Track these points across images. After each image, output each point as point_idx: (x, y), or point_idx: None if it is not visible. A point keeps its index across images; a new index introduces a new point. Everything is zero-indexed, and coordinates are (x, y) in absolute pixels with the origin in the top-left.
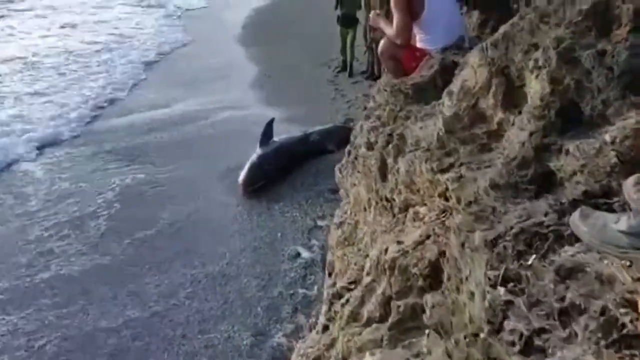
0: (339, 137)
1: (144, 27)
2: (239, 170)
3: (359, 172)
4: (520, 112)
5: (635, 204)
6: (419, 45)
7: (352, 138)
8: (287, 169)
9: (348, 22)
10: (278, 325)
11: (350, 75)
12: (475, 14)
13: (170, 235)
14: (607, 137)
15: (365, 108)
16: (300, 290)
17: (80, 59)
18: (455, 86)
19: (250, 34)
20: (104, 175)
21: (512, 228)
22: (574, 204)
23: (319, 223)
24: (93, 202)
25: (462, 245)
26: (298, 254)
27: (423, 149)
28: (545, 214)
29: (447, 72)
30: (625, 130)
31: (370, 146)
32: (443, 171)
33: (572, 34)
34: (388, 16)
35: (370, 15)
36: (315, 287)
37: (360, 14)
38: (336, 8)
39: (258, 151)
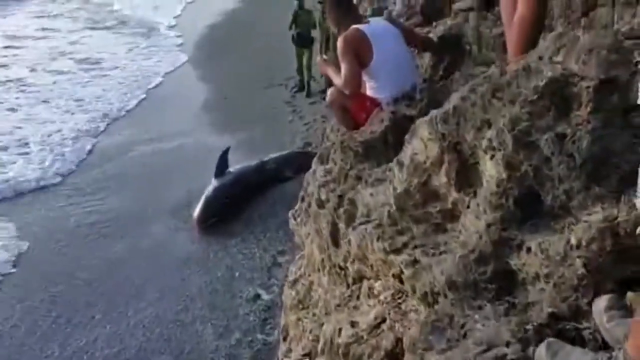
0: (297, 163)
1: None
2: (191, 204)
3: (311, 224)
4: (475, 193)
5: (609, 335)
6: (368, 93)
7: (305, 183)
8: (244, 200)
9: (303, 41)
10: None
11: (308, 95)
12: (427, 55)
13: (117, 279)
14: (573, 240)
15: (324, 131)
16: (259, 336)
17: None
18: (405, 157)
19: (204, 52)
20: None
21: None
22: (540, 329)
23: (279, 259)
24: None
25: None
26: (257, 296)
27: (374, 224)
28: (507, 344)
29: (398, 127)
30: (592, 231)
31: (321, 204)
32: (396, 251)
33: (529, 114)
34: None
35: (317, 62)
36: (276, 332)
37: (315, 33)
38: (290, 28)
39: (213, 183)
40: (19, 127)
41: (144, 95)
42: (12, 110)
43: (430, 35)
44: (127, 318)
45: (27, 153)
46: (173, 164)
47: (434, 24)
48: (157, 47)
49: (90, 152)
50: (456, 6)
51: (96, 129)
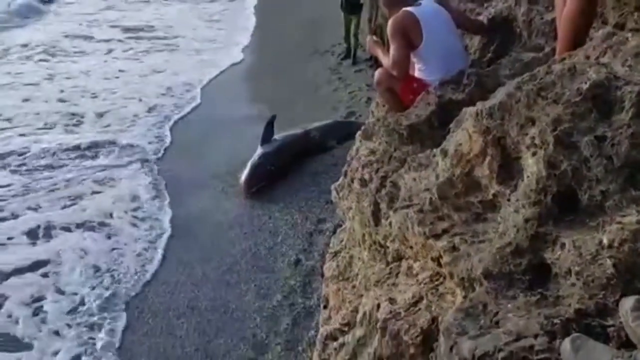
0: (341, 132)
1: None
2: (238, 170)
3: (354, 202)
4: (515, 187)
5: (634, 334)
6: (416, 75)
7: (348, 157)
8: (288, 168)
9: (352, 8)
10: (277, 339)
11: (354, 63)
12: (477, 38)
13: (168, 239)
14: (605, 240)
15: (368, 100)
16: (300, 300)
17: None
18: (449, 146)
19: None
20: None
21: (500, 350)
22: (567, 324)
23: (320, 227)
24: None
25: (451, 349)
26: (298, 261)
27: (416, 209)
28: (536, 336)
29: (444, 111)
30: (624, 232)
31: (364, 183)
32: (436, 237)
33: (571, 115)
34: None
35: (367, 41)
36: (315, 297)
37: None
38: None
39: (259, 151)
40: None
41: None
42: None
43: (481, 17)
44: (176, 274)
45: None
46: (221, 131)
47: (485, 5)
48: None
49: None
50: None
51: None
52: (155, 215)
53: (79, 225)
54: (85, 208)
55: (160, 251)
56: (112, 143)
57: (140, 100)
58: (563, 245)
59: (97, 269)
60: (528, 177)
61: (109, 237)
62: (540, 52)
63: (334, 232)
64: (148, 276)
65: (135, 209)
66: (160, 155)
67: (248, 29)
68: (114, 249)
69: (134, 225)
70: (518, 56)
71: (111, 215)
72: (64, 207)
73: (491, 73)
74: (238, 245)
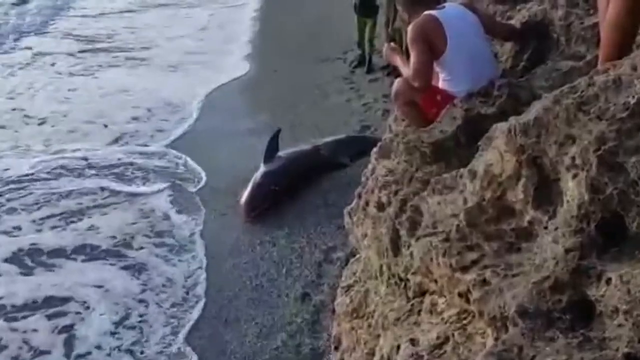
0: (353, 149)
1: None
2: (238, 191)
3: (369, 228)
4: (554, 213)
5: None
6: (440, 86)
7: (363, 178)
8: (294, 188)
9: (366, 10)
10: None
11: (369, 71)
12: (509, 44)
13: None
14: None
15: (385, 112)
16: (307, 340)
17: None
18: (478, 166)
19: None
20: None
21: None
22: None
23: (330, 256)
24: None
25: None
26: (305, 295)
27: (441, 237)
28: None
29: (472, 126)
30: None
31: (381, 206)
32: (464, 269)
33: (617, 132)
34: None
35: (384, 49)
36: (324, 337)
37: (381, 1)
38: None
39: (262, 169)
40: None
41: None
42: None
43: (513, 21)
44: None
45: None
46: (219, 147)
47: (517, 7)
48: None
49: None
50: None
51: None
52: None
53: None
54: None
55: None
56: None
57: (106, 126)
58: (609, 280)
59: None
60: (568, 202)
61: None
62: (581, 61)
63: (347, 263)
64: None
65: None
66: None
67: (249, 36)
68: None
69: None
70: (555, 65)
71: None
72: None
73: (525, 84)
74: (237, 276)
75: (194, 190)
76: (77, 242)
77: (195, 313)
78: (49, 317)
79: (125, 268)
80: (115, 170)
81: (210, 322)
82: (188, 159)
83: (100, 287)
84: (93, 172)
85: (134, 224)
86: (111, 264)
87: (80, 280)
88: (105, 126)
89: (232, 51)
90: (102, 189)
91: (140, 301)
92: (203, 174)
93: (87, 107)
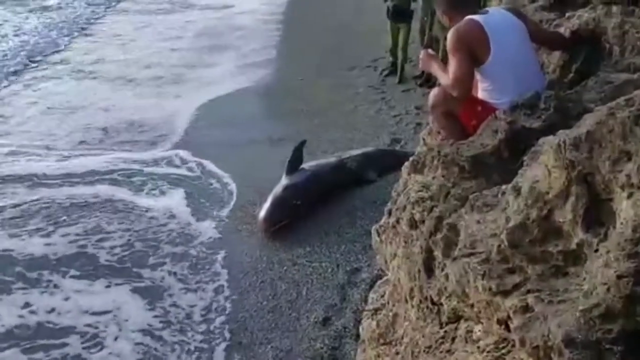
0: (382, 163)
1: None
2: (257, 204)
3: (399, 247)
4: (606, 235)
5: None
6: (480, 96)
7: (393, 194)
8: (318, 203)
9: (400, 16)
10: None
11: (401, 81)
12: (557, 54)
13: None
14: None
15: (417, 126)
16: None
17: None
18: (523, 183)
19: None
20: None
21: None
22: None
23: (355, 278)
24: None
25: None
26: (326, 320)
27: (480, 259)
28: None
29: (515, 141)
30: None
31: (414, 224)
32: (505, 293)
33: None
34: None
35: (420, 56)
36: None
37: (415, 5)
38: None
39: (284, 181)
40: None
41: None
42: None
43: (561, 29)
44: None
45: None
46: (236, 156)
47: (567, 15)
48: None
49: None
50: None
51: None
52: None
53: None
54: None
55: None
56: None
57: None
58: None
59: None
60: (622, 223)
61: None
62: (636, 74)
63: (372, 286)
64: None
65: None
66: None
67: (273, 40)
68: None
69: None
70: (607, 77)
71: None
72: None
73: (574, 96)
74: (253, 296)
75: (210, 203)
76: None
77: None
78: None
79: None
80: (122, 177)
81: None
82: (210, 166)
83: (108, 313)
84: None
85: (145, 236)
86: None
87: (84, 305)
88: (105, 132)
89: (252, 56)
90: (109, 199)
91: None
92: (231, 186)
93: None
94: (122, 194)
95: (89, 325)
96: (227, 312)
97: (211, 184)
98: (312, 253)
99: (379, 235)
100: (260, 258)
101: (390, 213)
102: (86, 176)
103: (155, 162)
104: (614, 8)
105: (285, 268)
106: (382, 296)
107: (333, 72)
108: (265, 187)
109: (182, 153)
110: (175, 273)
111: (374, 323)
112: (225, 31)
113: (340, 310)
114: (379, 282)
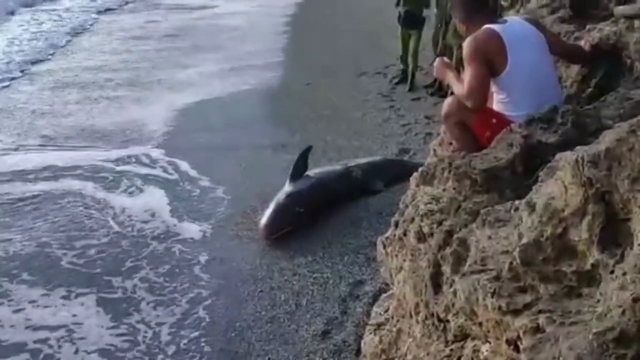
0: (389, 173)
1: None
2: (258, 211)
3: (406, 260)
4: (622, 257)
5: None
6: (495, 108)
7: (401, 205)
8: (322, 211)
9: (412, 22)
10: None
11: (411, 89)
12: (575, 67)
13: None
14: None
15: (426, 136)
16: None
17: None
18: (538, 199)
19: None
20: None
21: None
22: None
23: (357, 290)
24: None
25: None
26: (326, 333)
27: (490, 276)
28: None
29: (530, 155)
30: None
31: (422, 237)
32: (515, 313)
33: None
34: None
35: (435, 64)
36: None
37: (428, 12)
38: (398, 5)
39: (287, 188)
40: None
41: None
42: None
43: (581, 42)
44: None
45: None
46: (238, 160)
47: (587, 27)
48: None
49: None
50: (619, 10)
51: None
52: None
53: None
54: None
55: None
56: None
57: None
58: None
59: None
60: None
61: None
62: None
63: (375, 299)
64: None
65: None
66: None
67: (281, 43)
68: None
69: None
70: (627, 93)
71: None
72: None
73: (592, 112)
74: (251, 305)
75: (202, 205)
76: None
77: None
78: None
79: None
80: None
81: (218, 355)
82: (187, 167)
83: (63, 327)
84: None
85: (119, 237)
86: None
87: (35, 318)
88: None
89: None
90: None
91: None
92: (220, 190)
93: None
94: (97, 191)
95: (40, 341)
96: (221, 320)
97: (195, 188)
98: (313, 263)
99: (384, 247)
100: (260, 266)
101: (397, 225)
102: (47, 171)
103: (127, 161)
104: (637, 22)
105: (285, 277)
106: (386, 311)
107: (342, 77)
108: (266, 192)
109: (157, 153)
110: (152, 282)
111: (377, 338)
112: (210, 32)
113: (341, 323)
114: (383, 296)
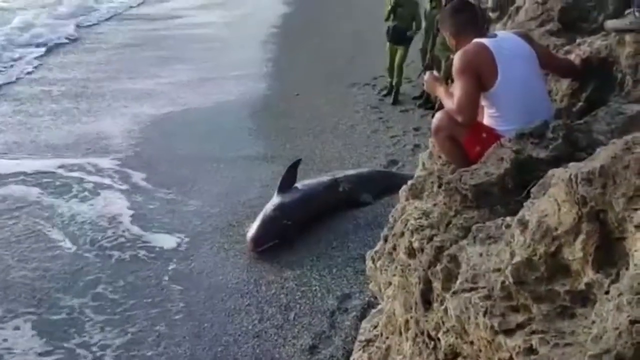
0: (378, 185)
1: None
2: (245, 223)
3: (395, 275)
4: (618, 276)
5: None
6: (486, 122)
7: (390, 218)
8: (310, 224)
9: (399, 38)
10: None
11: (395, 102)
12: (566, 81)
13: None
14: None
15: (415, 147)
16: None
17: None
18: (530, 216)
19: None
20: None
21: None
22: None
23: (345, 304)
24: None
25: None
26: (314, 348)
27: (482, 294)
28: None
29: (521, 170)
30: None
31: (412, 253)
32: (508, 333)
33: None
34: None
35: (425, 78)
36: None
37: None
38: (387, 19)
39: (275, 200)
40: None
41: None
42: None
43: (572, 56)
44: (155, 354)
45: None
46: (225, 173)
47: (577, 40)
48: None
49: None
50: (609, 24)
51: None
52: None
53: None
54: None
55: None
56: None
57: None
58: None
59: None
60: (636, 265)
61: None
62: None
63: (363, 312)
64: None
65: None
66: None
67: (270, 53)
68: None
69: None
70: (619, 108)
71: None
72: None
73: (583, 127)
74: (237, 319)
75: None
76: None
77: None
78: None
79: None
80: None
81: None
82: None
83: None
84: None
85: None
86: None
87: None
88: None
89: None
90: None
91: None
92: (196, 202)
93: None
94: (44, 197)
95: None
96: (206, 334)
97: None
98: (301, 276)
99: (373, 261)
100: (247, 280)
101: (386, 239)
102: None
103: (85, 170)
104: (627, 37)
105: (273, 291)
106: (375, 327)
107: (331, 88)
108: (253, 205)
109: (118, 164)
110: (107, 299)
111: (365, 355)
112: (182, 42)
113: (329, 338)
114: (372, 311)
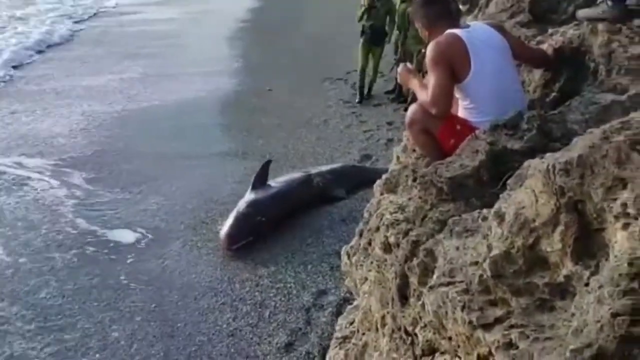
0: (351, 180)
1: None
2: (218, 221)
3: (371, 270)
4: (597, 268)
5: None
6: (460, 114)
7: (365, 213)
8: (284, 221)
9: (377, 38)
10: None
11: (361, 101)
12: (538, 72)
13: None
14: None
15: (388, 141)
16: None
17: None
18: (507, 208)
19: (248, 31)
20: None
21: None
22: None
23: (321, 300)
24: None
25: None
26: (289, 345)
27: (459, 289)
28: None
29: (496, 162)
30: None
31: (388, 248)
32: (486, 327)
33: None
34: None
35: (399, 70)
36: None
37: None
38: (361, 19)
39: (248, 197)
40: None
41: None
42: None
43: (544, 46)
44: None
45: None
46: (196, 170)
47: (549, 30)
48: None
49: None
50: (581, 13)
51: None
52: None
53: None
54: None
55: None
56: None
57: None
58: None
59: None
60: (616, 256)
61: None
62: (624, 94)
63: (339, 308)
64: None
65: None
66: None
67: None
68: None
69: None
70: (592, 97)
71: None
72: None
73: (557, 117)
74: (211, 318)
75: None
76: None
77: None
78: None
79: None
80: None
81: None
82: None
83: None
84: None
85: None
86: None
87: None
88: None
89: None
90: None
91: None
92: (160, 199)
93: None
94: None
95: None
96: (179, 334)
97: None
98: (276, 273)
99: (349, 257)
100: (220, 278)
101: (361, 234)
102: None
103: (26, 168)
104: (600, 26)
105: (247, 289)
106: (352, 323)
107: (304, 83)
108: (225, 202)
109: (65, 163)
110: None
111: (342, 352)
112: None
113: (305, 334)
114: (348, 307)
